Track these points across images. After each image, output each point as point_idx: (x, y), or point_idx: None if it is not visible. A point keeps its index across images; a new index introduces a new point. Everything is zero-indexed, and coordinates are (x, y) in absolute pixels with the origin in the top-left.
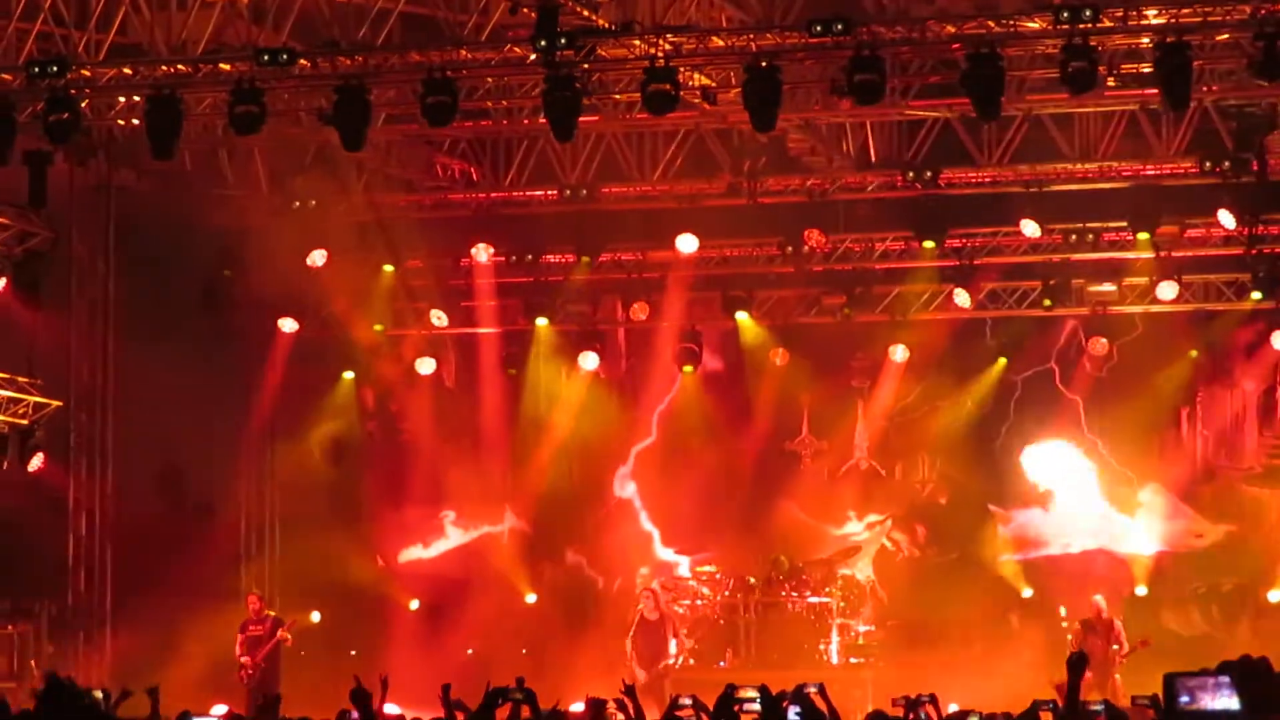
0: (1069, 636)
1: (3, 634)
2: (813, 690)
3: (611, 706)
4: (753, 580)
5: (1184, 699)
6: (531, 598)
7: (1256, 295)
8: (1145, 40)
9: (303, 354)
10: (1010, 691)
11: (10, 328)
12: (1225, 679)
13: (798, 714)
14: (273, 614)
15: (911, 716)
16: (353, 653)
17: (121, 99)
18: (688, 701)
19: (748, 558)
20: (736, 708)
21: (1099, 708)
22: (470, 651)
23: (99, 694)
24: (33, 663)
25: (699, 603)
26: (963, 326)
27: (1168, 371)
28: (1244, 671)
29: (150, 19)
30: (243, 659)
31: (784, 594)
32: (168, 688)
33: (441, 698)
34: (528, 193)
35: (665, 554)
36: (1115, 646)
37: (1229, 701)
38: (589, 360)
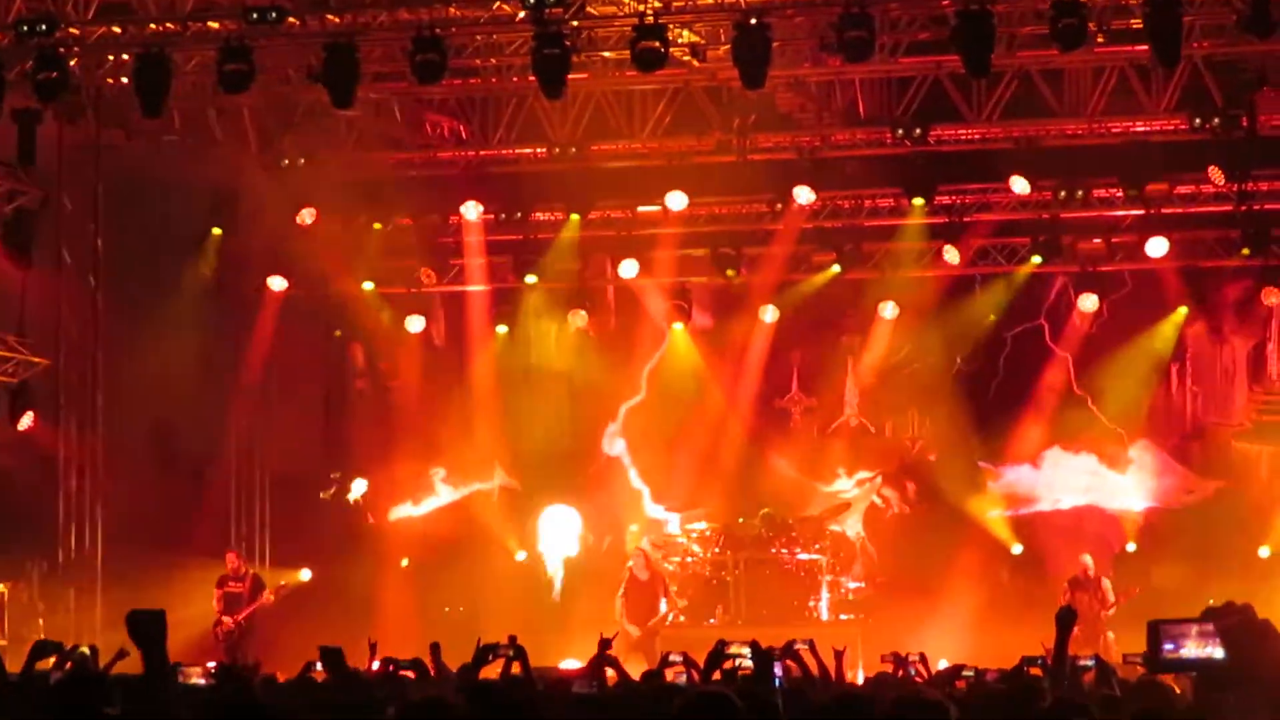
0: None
1: None
2: (803, 646)
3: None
4: (741, 520)
5: (1168, 646)
6: (521, 555)
7: (1246, 251)
8: None
9: (292, 312)
10: (1000, 648)
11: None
12: (1209, 627)
13: (784, 671)
14: (253, 572)
15: (901, 673)
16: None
17: (110, 57)
18: (678, 658)
19: (738, 515)
20: (728, 664)
21: (1089, 663)
22: (461, 609)
23: (85, 650)
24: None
25: (689, 560)
26: (953, 283)
27: (1157, 328)
28: (1227, 619)
29: None
30: (223, 617)
31: (774, 551)
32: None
33: (431, 656)
34: (517, 150)
35: (655, 511)
36: (1104, 607)
37: (1213, 649)
38: (578, 318)
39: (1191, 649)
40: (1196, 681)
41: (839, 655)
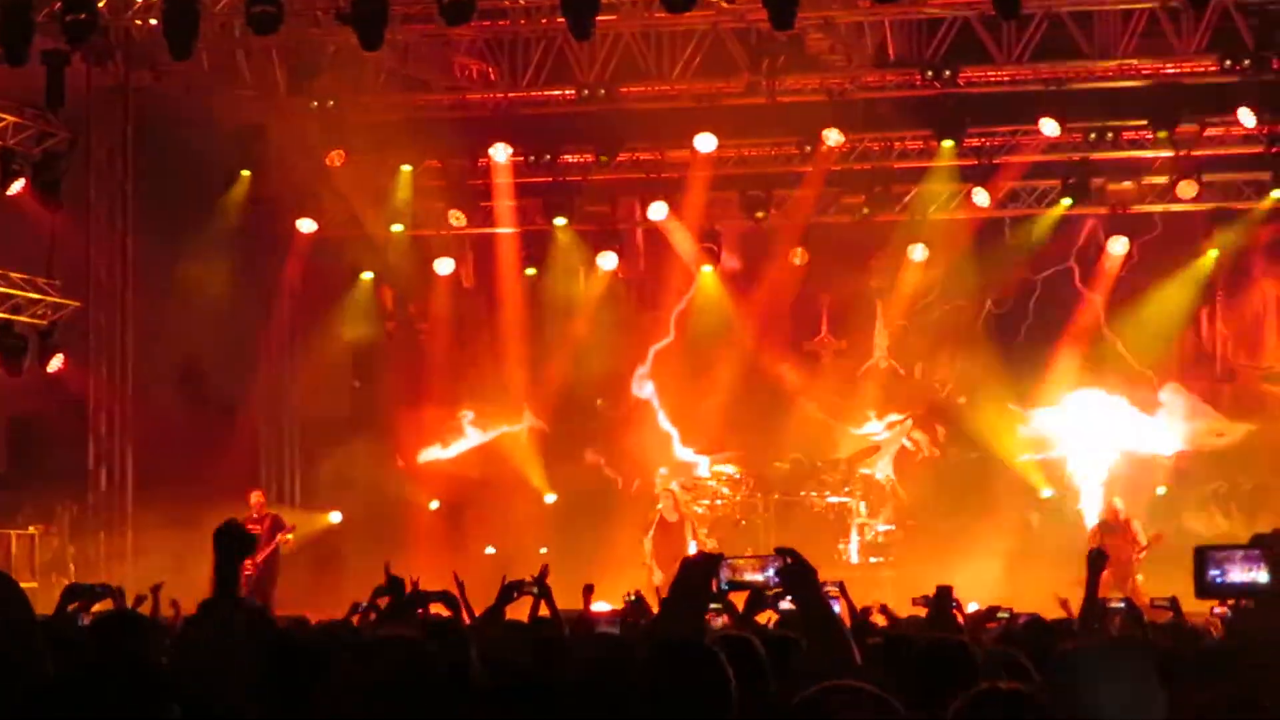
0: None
1: (24, 535)
2: (833, 588)
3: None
4: (772, 464)
5: (1213, 572)
6: (550, 498)
7: (1276, 194)
8: None
9: (321, 254)
10: (1032, 590)
11: (28, 228)
12: (1256, 552)
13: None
14: (273, 513)
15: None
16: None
17: None
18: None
19: (767, 458)
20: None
21: (1120, 605)
22: (491, 551)
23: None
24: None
25: (718, 503)
26: (982, 225)
27: (1188, 270)
28: (1276, 544)
29: None
30: None
31: (803, 494)
32: (190, 587)
33: (458, 592)
34: (545, 92)
35: (684, 454)
36: (1134, 549)
37: (1259, 574)
38: (608, 260)
39: (1237, 574)
40: (1237, 608)
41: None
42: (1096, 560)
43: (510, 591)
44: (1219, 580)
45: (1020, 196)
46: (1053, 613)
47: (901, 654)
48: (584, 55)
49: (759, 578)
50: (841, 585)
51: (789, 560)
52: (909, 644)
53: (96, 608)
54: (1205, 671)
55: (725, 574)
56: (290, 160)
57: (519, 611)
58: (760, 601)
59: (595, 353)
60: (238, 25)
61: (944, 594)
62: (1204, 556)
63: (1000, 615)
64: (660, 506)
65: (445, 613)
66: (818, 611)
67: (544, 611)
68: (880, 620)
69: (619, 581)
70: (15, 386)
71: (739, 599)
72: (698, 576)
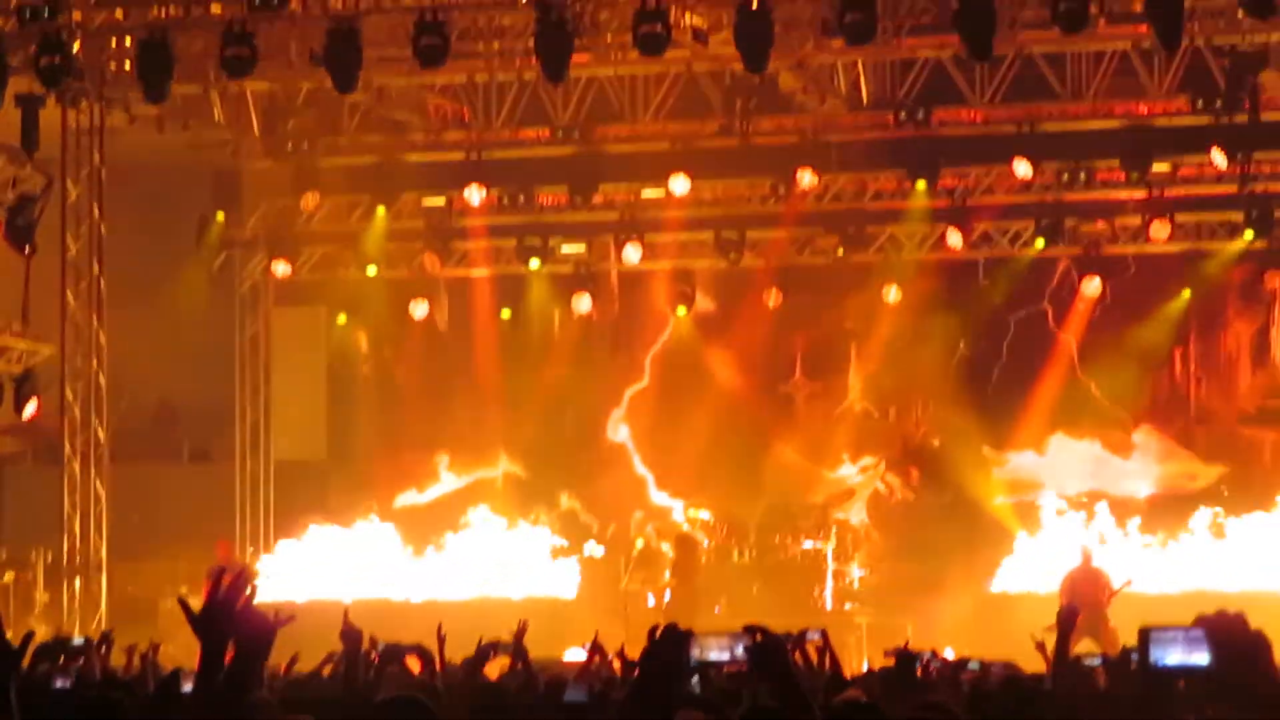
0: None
1: None
2: (815, 636)
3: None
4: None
5: (1156, 653)
6: None
7: (1249, 234)
8: None
9: (295, 297)
10: (1006, 637)
11: (2, 273)
12: (1198, 633)
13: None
14: (242, 564)
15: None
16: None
17: (113, 41)
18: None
19: (741, 502)
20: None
21: (1095, 661)
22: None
23: (79, 641)
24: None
25: (698, 548)
26: (956, 267)
27: (1161, 311)
28: (1218, 627)
29: None
30: None
31: (778, 539)
32: (164, 634)
33: (439, 644)
34: (520, 133)
35: (659, 498)
36: (1105, 593)
37: (1200, 657)
38: (582, 302)
39: (1179, 656)
40: (1183, 690)
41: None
42: (1067, 617)
43: (488, 651)
44: (1160, 664)
45: (993, 238)
46: (1028, 657)
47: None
48: (558, 97)
49: (726, 655)
50: (825, 635)
51: (758, 637)
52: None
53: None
54: None
55: (694, 652)
56: (264, 203)
57: (493, 667)
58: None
59: (570, 396)
60: (212, 68)
61: (905, 659)
62: (1147, 637)
63: (971, 667)
64: (640, 542)
65: (418, 666)
66: (789, 694)
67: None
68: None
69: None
70: None
71: None
72: (668, 653)
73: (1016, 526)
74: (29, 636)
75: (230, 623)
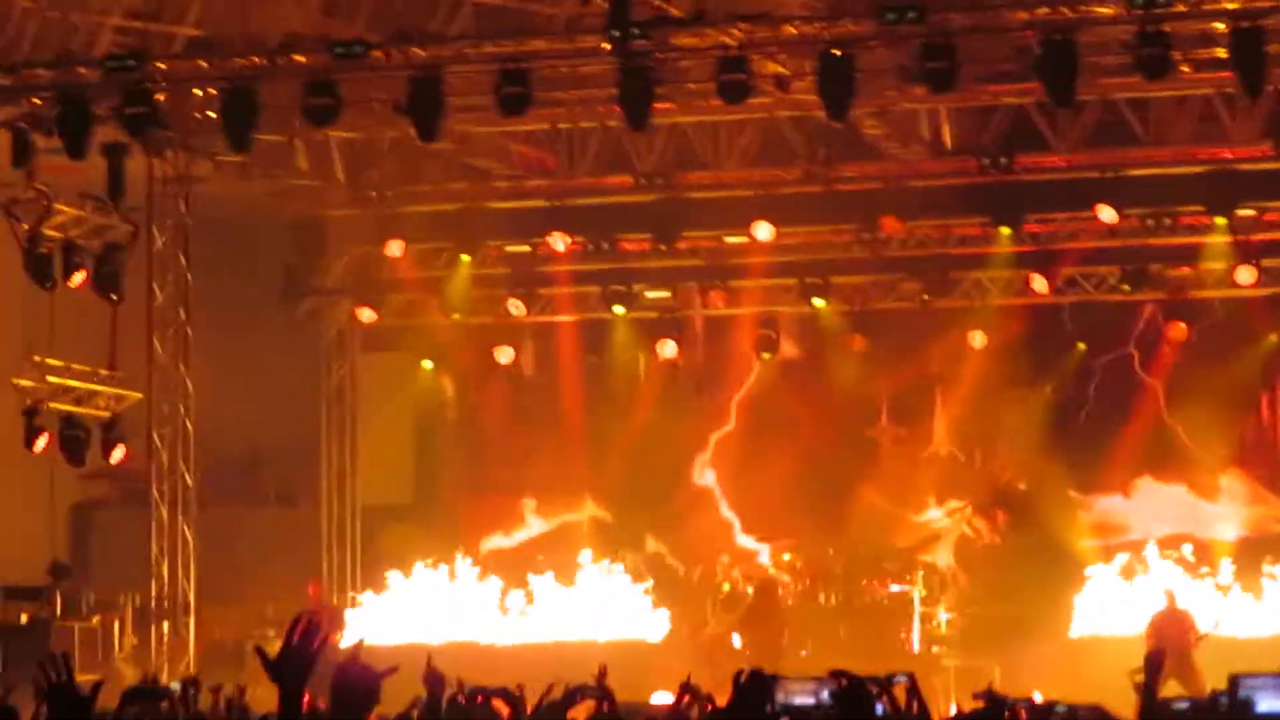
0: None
1: (86, 627)
2: (902, 681)
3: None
4: (832, 552)
5: (1243, 695)
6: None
7: None
8: (1219, 25)
9: (381, 343)
10: (1093, 680)
11: (90, 320)
12: None
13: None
14: (330, 605)
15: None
16: None
17: (198, 91)
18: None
19: (827, 546)
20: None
21: (1184, 705)
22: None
23: (176, 686)
24: (116, 659)
25: (779, 591)
26: (1041, 312)
27: (1247, 356)
28: None
29: (225, 12)
30: None
31: (864, 583)
32: (251, 678)
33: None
34: (603, 180)
35: (745, 541)
36: (1191, 636)
37: None
38: (667, 348)
39: (1269, 703)
40: None
41: None
42: (1155, 660)
43: (574, 695)
44: (1255, 709)
45: (1079, 282)
46: (1116, 699)
47: None
48: (641, 144)
49: (811, 700)
50: (912, 678)
51: (843, 683)
52: None
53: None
54: None
55: (779, 696)
56: (349, 249)
57: (580, 711)
58: None
59: (656, 441)
60: (295, 116)
61: (994, 702)
62: (1237, 683)
63: (1059, 710)
64: (725, 588)
65: (505, 710)
66: None
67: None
68: None
69: (676, 668)
70: (78, 476)
71: None
72: (753, 697)
73: (1103, 569)
74: (98, 685)
75: (307, 668)
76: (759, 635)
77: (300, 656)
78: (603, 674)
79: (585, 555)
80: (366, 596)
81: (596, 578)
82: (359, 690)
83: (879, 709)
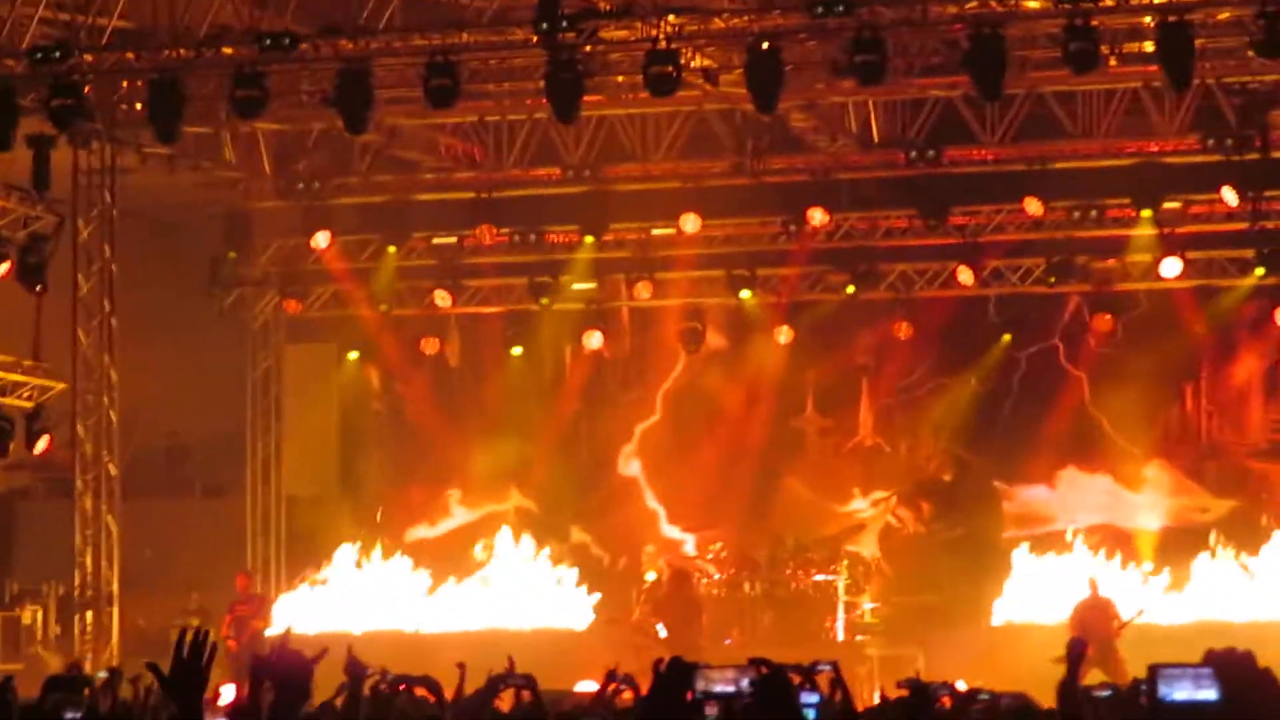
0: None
1: (9, 617)
2: (826, 670)
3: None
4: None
5: (1164, 689)
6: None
7: (1260, 271)
8: (1147, 20)
9: (306, 334)
10: (1017, 668)
11: (14, 311)
12: (1206, 670)
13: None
14: (260, 595)
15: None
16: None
17: (124, 83)
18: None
19: (753, 536)
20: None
21: (1106, 693)
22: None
23: (103, 674)
24: (38, 648)
25: (704, 581)
26: (967, 304)
27: (1172, 348)
28: (1227, 664)
29: (152, 4)
30: (228, 640)
31: (789, 572)
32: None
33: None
34: (531, 173)
35: (671, 532)
36: (1114, 625)
37: (1209, 693)
38: (594, 339)
39: (1187, 692)
40: None
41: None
42: (1075, 648)
43: (497, 684)
44: (1168, 698)
45: (1004, 275)
46: (1039, 687)
47: None
48: (569, 136)
49: (731, 689)
50: (836, 667)
51: (762, 670)
52: None
53: None
54: None
55: (700, 684)
56: (275, 241)
57: (503, 700)
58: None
59: (582, 431)
60: (222, 108)
61: (919, 690)
62: (1156, 674)
63: (982, 698)
64: (651, 575)
65: (430, 698)
66: None
67: (528, 698)
68: None
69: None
70: (1, 466)
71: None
72: (673, 686)
73: (1026, 559)
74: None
75: (201, 681)
76: (675, 623)
77: (193, 669)
78: (511, 665)
79: (504, 537)
80: (304, 588)
81: (521, 566)
82: (295, 675)
83: (804, 697)
